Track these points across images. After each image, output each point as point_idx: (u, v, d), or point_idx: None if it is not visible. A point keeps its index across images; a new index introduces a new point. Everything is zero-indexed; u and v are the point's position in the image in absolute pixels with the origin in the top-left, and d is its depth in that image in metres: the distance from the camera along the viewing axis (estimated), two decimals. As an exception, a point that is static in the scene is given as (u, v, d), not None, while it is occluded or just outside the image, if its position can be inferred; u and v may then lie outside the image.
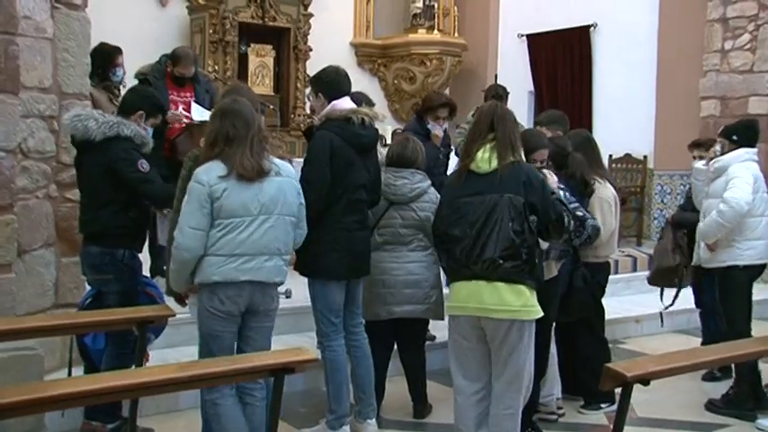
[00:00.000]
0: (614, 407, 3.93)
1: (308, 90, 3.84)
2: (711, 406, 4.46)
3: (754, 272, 4.46)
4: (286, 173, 3.22)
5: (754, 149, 4.46)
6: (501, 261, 3.11)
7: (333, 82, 3.70)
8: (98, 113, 3.66)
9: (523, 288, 3.16)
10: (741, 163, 4.37)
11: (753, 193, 4.32)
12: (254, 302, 3.16)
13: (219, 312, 3.10)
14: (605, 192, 4.26)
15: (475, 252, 3.14)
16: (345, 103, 3.66)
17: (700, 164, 4.89)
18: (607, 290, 4.50)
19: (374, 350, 3.92)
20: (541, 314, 3.24)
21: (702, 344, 5.02)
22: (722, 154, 4.52)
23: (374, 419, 3.84)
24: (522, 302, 3.16)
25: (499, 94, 5.61)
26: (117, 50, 5.03)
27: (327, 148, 3.53)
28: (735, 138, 4.50)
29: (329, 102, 3.65)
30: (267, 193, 3.11)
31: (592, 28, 8.82)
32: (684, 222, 4.92)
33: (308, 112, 3.77)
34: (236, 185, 3.05)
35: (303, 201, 3.28)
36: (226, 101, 3.26)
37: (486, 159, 3.22)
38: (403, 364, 4.22)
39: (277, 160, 3.23)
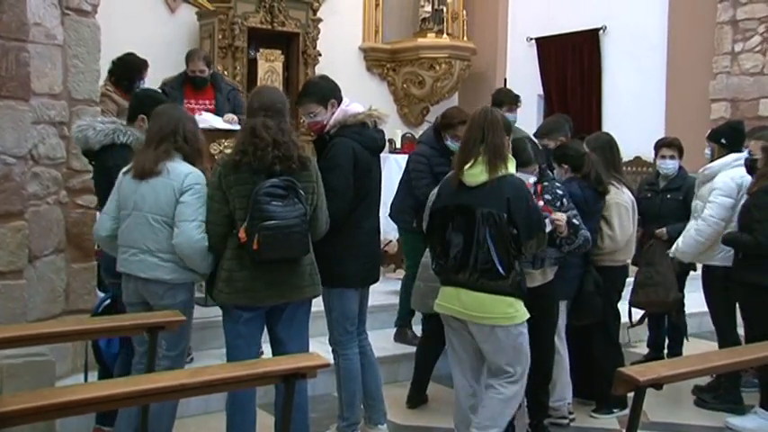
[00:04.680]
0: (626, 411, 3.92)
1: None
2: (701, 402, 4.53)
3: None
4: (168, 175, 3.25)
5: (743, 153, 4.38)
6: (481, 275, 3.23)
7: (335, 87, 3.66)
8: (99, 122, 3.68)
9: (503, 298, 3.27)
10: (729, 170, 4.36)
11: (738, 199, 4.29)
12: (143, 296, 3.33)
13: (125, 301, 3.38)
14: (622, 197, 4.24)
15: (460, 264, 3.26)
16: (355, 107, 3.63)
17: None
18: (618, 294, 4.48)
19: (426, 344, 4.31)
20: (525, 318, 3.36)
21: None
22: (712, 158, 4.59)
23: (385, 425, 3.83)
24: (501, 310, 3.28)
25: (515, 96, 5.50)
26: (145, 64, 5.05)
27: (351, 156, 3.49)
28: (724, 141, 4.53)
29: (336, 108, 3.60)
30: (140, 191, 3.27)
31: (601, 31, 8.79)
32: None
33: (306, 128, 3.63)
34: (128, 180, 3.31)
35: (184, 201, 3.22)
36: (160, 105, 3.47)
37: (475, 174, 3.27)
38: None
39: (174, 164, 3.27)
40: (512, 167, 3.31)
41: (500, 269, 3.22)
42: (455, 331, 3.48)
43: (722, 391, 4.47)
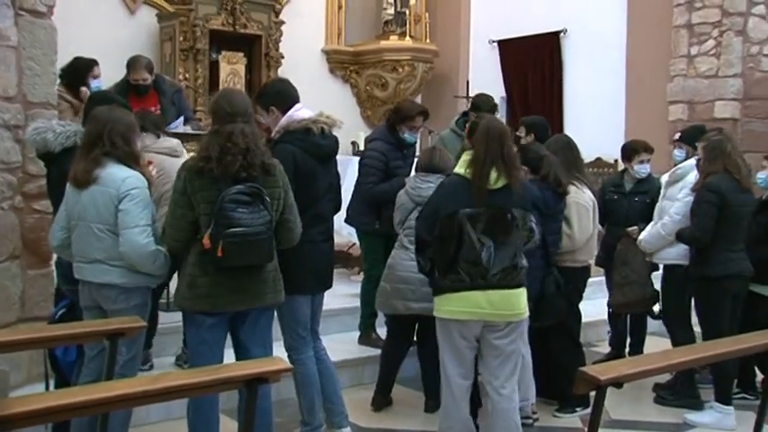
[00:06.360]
0: (589, 410, 3.96)
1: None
2: (660, 399, 4.62)
3: None
4: (105, 183, 3.22)
5: None
6: (512, 272, 3.36)
7: (281, 92, 3.62)
8: (57, 124, 3.61)
9: (523, 290, 3.44)
10: (695, 171, 4.45)
11: None
12: (98, 300, 3.32)
13: (82, 305, 3.37)
14: (582, 196, 4.31)
15: (493, 262, 3.31)
16: (303, 113, 3.58)
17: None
18: (580, 293, 4.53)
19: (391, 345, 4.37)
20: None
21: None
22: (685, 160, 4.70)
23: (348, 428, 3.81)
24: (524, 304, 3.46)
25: (495, 105, 5.56)
26: (93, 63, 4.95)
27: (291, 163, 3.44)
28: (696, 144, 4.62)
29: (284, 113, 3.56)
30: (82, 201, 3.25)
31: (562, 34, 8.90)
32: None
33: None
34: (71, 191, 3.29)
35: (124, 208, 3.19)
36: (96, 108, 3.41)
37: (497, 178, 3.38)
38: (420, 359, 4.37)
39: (110, 169, 3.23)
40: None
41: (526, 264, 3.42)
42: (467, 338, 3.43)
43: (679, 388, 4.56)
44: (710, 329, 4.20)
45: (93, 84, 4.96)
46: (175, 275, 3.53)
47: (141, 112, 4.45)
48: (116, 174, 3.23)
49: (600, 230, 4.74)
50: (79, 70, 4.83)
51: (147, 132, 4.16)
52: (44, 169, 3.98)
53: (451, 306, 3.39)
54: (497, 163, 3.36)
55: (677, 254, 4.46)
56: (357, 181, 4.93)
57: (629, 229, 4.83)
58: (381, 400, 4.39)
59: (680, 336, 4.50)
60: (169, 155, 4.15)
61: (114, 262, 3.25)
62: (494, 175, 3.35)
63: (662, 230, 4.48)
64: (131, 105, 5.12)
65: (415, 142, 4.90)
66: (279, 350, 3.52)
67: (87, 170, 3.21)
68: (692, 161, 4.54)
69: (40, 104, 4.12)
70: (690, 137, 4.86)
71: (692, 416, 4.33)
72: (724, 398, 4.26)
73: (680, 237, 4.35)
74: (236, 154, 3.08)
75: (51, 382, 3.66)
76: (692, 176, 4.44)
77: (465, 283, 3.33)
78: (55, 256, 3.80)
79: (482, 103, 5.49)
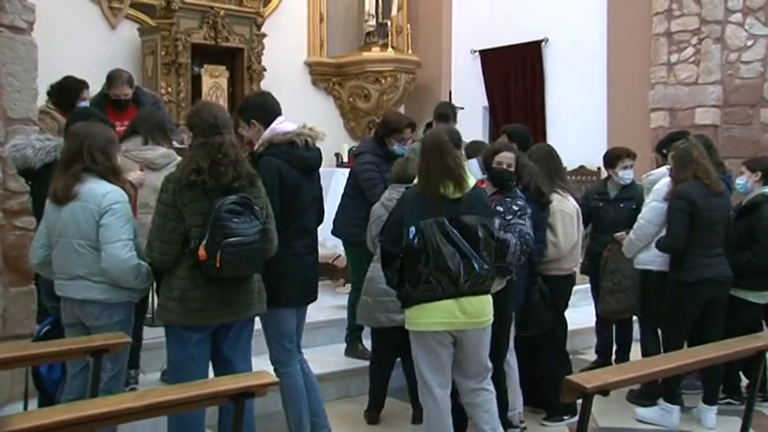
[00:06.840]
0: (576, 418, 3.97)
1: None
2: (631, 397, 4.72)
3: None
4: (85, 199, 3.21)
5: None
6: (481, 279, 3.36)
7: (262, 105, 3.62)
8: (36, 139, 3.60)
9: (489, 297, 3.47)
10: (665, 178, 4.51)
11: None
12: (80, 318, 3.30)
13: (64, 322, 3.35)
14: (566, 204, 4.33)
15: (462, 271, 3.31)
16: (286, 126, 3.58)
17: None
18: (566, 301, 4.55)
19: (379, 358, 4.36)
20: None
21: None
22: (657, 168, 4.82)
23: (333, 441, 3.80)
24: (490, 309, 3.48)
25: (445, 114, 5.59)
26: (83, 86, 4.93)
27: (276, 176, 3.44)
28: (665, 152, 4.70)
29: (266, 126, 3.56)
30: (62, 218, 3.23)
31: (543, 43, 8.97)
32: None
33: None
34: (51, 207, 3.26)
35: (105, 223, 3.18)
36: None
37: (454, 189, 3.41)
38: (404, 370, 4.36)
39: (90, 185, 3.22)
40: (473, 178, 3.54)
41: (491, 270, 3.41)
42: (444, 346, 3.44)
43: (642, 387, 4.64)
44: (672, 331, 4.31)
45: (80, 105, 4.93)
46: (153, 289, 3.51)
47: (146, 113, 4.42)
48: (96, 189, 3.22)
49: (584, 232, 4.77)
50: (69, 91, 4.79)
51: (136, 136, 4.13)
52: (25, 186, 3.97)
53: (425, 318, 3.39)
54: (445, 174, 3.39)
55: (649, 259, 4.51)
56: (348, 193, 4.93)
57: (617, 234, 4.85)
58: (375, 415, 4.37)
59: (650, 343, 4.56)
60: (147, 167, 4.11)
61: (96, 278, 3.23)
62: (451, 185, 3.39)
63: (632, 235, 4.56)
64: (110, 119, 5.14)
65: (403, 154, 4.89)
66: (260, 363, 3.51)
67: (67, 186, 3.20)
68: (664, 169, 4.60)
69: (20, 120, 4.10)
70: (660, 145, 4.99)
71: (640, 410, 4.47)
72: (671, 396, 4.37)
73: (658, 245, 4.41)
74: (228, 165, 3.11)
75: (33, 402, 3.62)
76: (662, 183, 4.49)
77: (437, 293, 3.33)
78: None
79: (438, 109, 5.64)
